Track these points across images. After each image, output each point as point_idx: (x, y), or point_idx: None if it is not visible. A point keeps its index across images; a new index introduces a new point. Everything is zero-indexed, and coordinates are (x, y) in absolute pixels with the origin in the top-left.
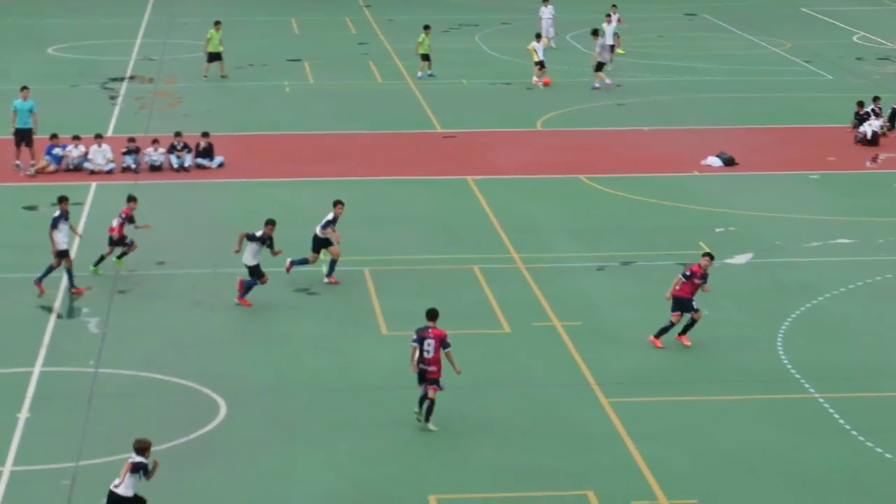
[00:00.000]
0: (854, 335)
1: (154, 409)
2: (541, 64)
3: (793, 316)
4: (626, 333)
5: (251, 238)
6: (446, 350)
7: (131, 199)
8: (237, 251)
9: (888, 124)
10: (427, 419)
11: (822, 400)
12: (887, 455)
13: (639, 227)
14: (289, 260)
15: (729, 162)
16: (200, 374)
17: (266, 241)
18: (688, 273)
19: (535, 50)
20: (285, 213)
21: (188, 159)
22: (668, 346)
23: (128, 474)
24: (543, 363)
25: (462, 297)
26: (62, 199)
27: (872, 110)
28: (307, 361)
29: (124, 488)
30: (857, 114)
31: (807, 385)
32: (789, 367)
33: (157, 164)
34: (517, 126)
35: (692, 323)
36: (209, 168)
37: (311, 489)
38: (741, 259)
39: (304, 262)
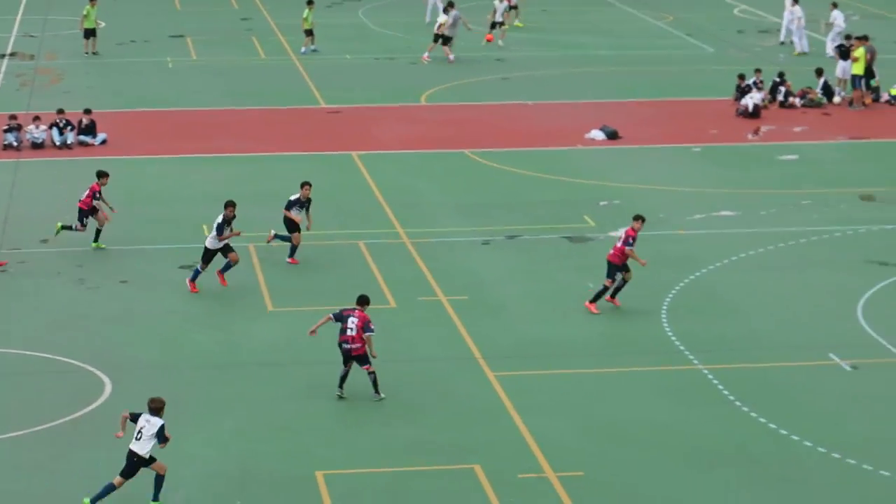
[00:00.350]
0: (737, 307)
1: (38, 387)
2: (498, 24)
3: (677, 288)
4: (512, 307)
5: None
6: (367, 334)
7: (102, 174)
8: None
9: (769, 97)
10: (376, 391)
11: (706, 371)
12: (771, 425)
13: (524, 201)
14: (273, 231)
15: (612, 135)
16: (85, 353)
17: (227, 222)
18: (630, 241)
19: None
20: (169, 190)
21: (70, 136)
22: (561, 317)
23: (153, 437)
24: (429, 338)
25: (348, 273)
26: None
27: (754, 83)
28: (192, 339)
29: (141, 447)
30: (738, 87)
31: (691, 357)
32: (674, 339)
33: (39, 141)
34: (402, 101)
35: (623, 283)
36: (92, 145)
37: (196, 467)
38: (622, 231)
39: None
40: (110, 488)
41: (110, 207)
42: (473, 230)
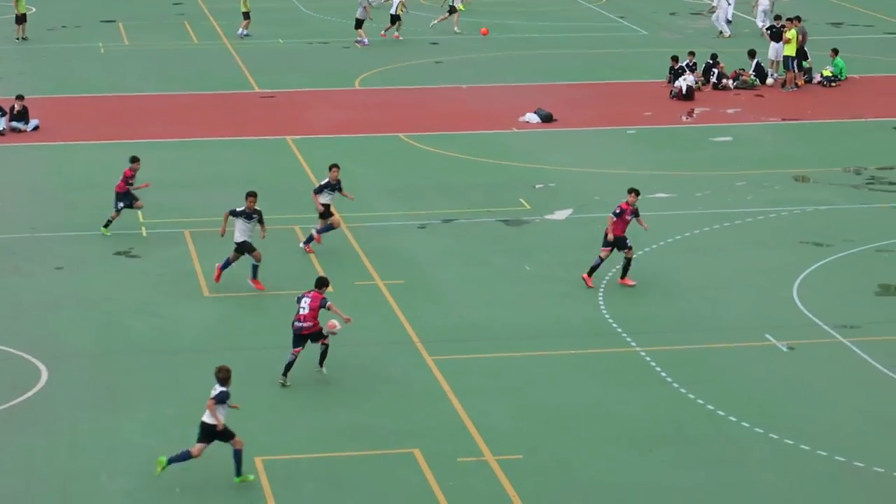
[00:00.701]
0: (674, 288)
1: None
2: (451, 9)
3: (613, 270)
4: (448, 291)
5: (235, 214)
6: (327, 305)
7: (134, 159)
8: (223, 233)
9: (703, 79)
10: (321, 364)
11: (643, 353)
12: (708, 406)
13: (459, 184)
14: (302, 243)
15: (547, 118)
16: (20, 340)
17: (253, 214)
18: (617, 211)
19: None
20: (103, 176)
21: (2, 123)
22: (494, 300)
23: (215, 405)
24: (367, 322)
25: (283, 258)
26: None
27: (687, 65)
28: (128, 325)
29: (211, 417)
30: (671, 69)
31: (628, 338)
32: (610, 320)
33: None
34: (335, 85)
35: (627, 262)
36: (24, 131)
37: (134, 453)
38: (561, 215)
39: (329, 228)
40: (187, 455)
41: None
42: (409, 214)
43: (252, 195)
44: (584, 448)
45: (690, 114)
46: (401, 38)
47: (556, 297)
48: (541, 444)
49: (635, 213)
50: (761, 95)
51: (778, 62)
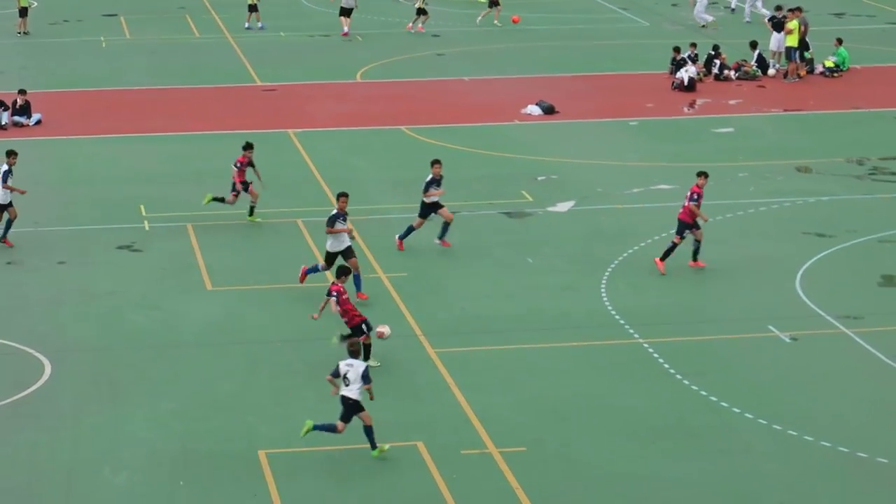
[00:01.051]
0: (676, 280)
1: None
2: (492, 2)
3: (616, 262)
4: (451, 284)
5: (335, 218)
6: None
7: (247, 146)
8: (351, 233)
9: (704, 70)
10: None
11: (646, 345)
12: (711, 397)
13: (461, 176)
14: (397, 237)
15: (549, 110)
16: (24, 335)
17: (341, 216)
18: (694, 197)
19: None
20: (105, 170)
21: (4, 117)
22: (496, 292)
23: (360, 379)
24: (370, 315)
25: (286, 251)
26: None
27: (689, 56)
28: (131, 319)
29: (356, 393)
30: (673, 60)
31: (631, 330)
32: (613, 312)
33: None
34: (337, 78)
35: (698, 245)
36: (26, 125)
37: (138, 447)
38: (563, 207)
39: (410, 230)
40: (333, 428)
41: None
42: (411, 206)
43: (344, 196)
44: (587, 440)
45: (692, 105)
46: (424, 31)
47: (559, 290)
48: (544, 436)
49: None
50: (763, 86)
51: (780, 53)
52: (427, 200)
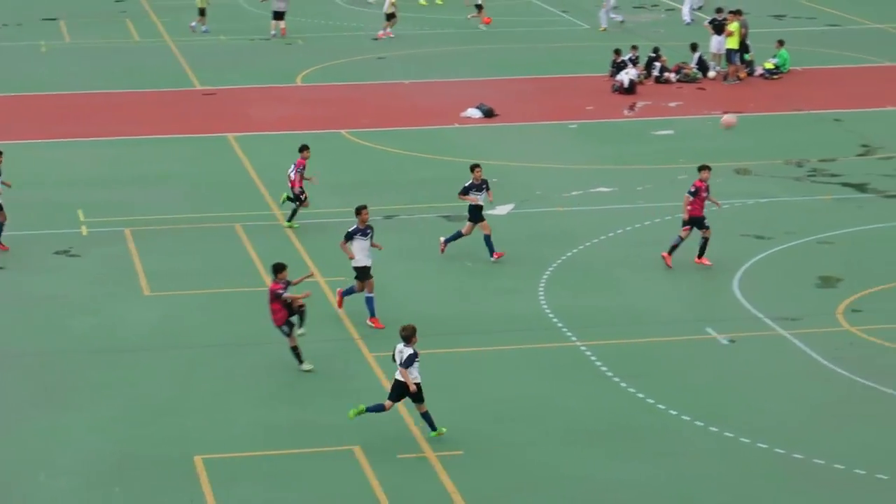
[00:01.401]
0: (614, 282)
1: None
2: (479, 7)
3: (555, 265)
4: (390, 287)
5: (352, 235)
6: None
7: (304, 148)
8: (351, 258)
9: (645, 72)
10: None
11: (584, 347)
12: (649, 399)
13: (401, 180)
14: (442, 238)
15: (489, 113)
16: None
17: (366, 231)
18: (693, 190)
19: None
20: (44, 175)
21: None
22: (436, 296)
23: (408, 367)
24: (308, 320)
25: (224, 256)
26: None
27: (629, 59)
28: (69, 325)
29: (405, 377)
30: (614, 62)
31: (569, 333)
32: (551, 315)
33: None
34: (277, 82)
35: (705, 242)
36: None
37: (76, 452)
38: (503, 210)
39: (458, 235)
40: (381, 408)
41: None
42: (350, 210)
43: (363, 209)
44: (525, 443)
45: (632, 107)
46: (393, 35)
47: (498, 293)
48: (482, 439)
49: (708, 191)
50: (703, 88)
51: (720, 55)
52: (468, 202)
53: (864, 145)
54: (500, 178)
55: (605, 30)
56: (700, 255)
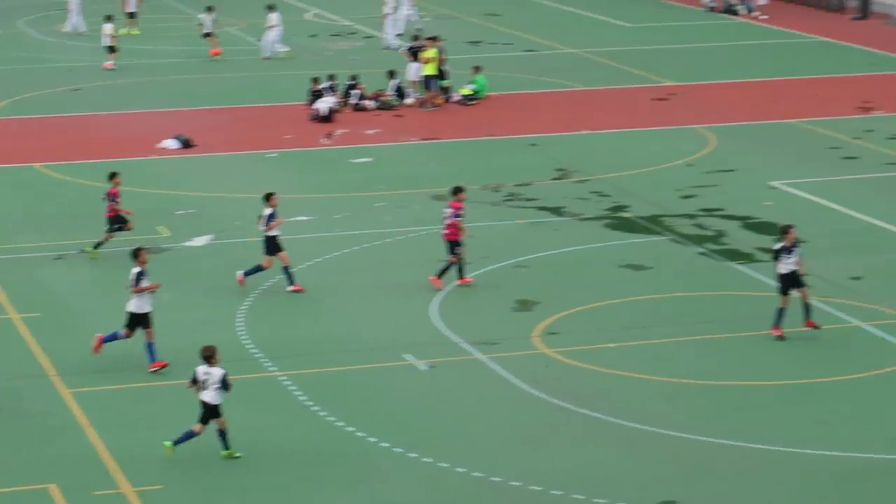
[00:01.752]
0: (315, 311)
1: None
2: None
3: (254, 294)
4: (87, 322)
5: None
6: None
7: (113, 175)
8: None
9: (343, 100)
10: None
11: (283, 377)
12: (348, 427)
13: (96, 213)
14: (240, 272)
15: (186, 144)
16: None
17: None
18: (449, 213)
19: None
20: None
21: None
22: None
23: (217, 387)
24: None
25: None
26: None
27: (327, 87)
28: None
29: (214, 398)
30: (311, 91)
31: (267, 363)
32: (250, 346)
33: None
34: None
35: (448, 265)
36: None
37: None
38: (201, 241)
39: (258, 269)
40: (191, 434)
41: None
42: (45, 244)
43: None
44: (223, 475)
45: (330, 136)
46: (115, 67)
47: (196, 324)
48: (185, 472)
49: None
50: (401, 115)
51: (418, 82)
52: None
53: (559, 169)
54: (198, 209)
55: (268, 58)
56: (440, 275)
